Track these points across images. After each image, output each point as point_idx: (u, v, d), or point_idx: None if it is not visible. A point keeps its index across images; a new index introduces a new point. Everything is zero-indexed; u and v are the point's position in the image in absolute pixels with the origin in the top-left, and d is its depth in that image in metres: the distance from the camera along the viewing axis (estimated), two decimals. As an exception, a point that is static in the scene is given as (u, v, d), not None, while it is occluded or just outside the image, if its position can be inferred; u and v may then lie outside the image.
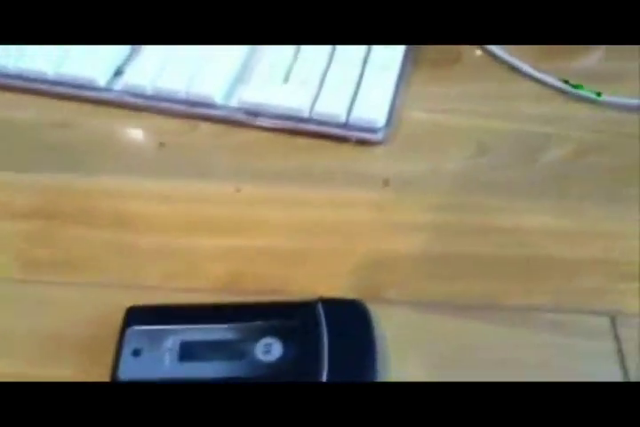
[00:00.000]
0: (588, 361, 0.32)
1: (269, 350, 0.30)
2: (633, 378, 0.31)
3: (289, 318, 0.31)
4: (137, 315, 0.31)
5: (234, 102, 0.42)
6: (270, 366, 0.30)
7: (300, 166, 0.40)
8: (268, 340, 0.30)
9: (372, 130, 0.40)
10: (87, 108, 0.43)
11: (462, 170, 0.40)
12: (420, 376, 0.31)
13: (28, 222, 0.38)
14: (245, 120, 0.41)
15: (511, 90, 0.43)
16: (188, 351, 0.30)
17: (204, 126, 0.42)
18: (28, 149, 0.41)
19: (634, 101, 0.42)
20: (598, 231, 0.37)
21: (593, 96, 0.42)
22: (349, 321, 0.31)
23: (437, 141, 0.41)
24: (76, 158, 0.41)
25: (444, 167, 0.40)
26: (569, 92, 0.43)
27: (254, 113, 0.41)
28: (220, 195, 0.39)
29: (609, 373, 0.31)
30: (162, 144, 0.41)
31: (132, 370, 0.29)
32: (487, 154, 0.40)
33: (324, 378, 0.29)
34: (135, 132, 0.43)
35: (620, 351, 0.32)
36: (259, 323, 0.31)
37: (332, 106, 0.40)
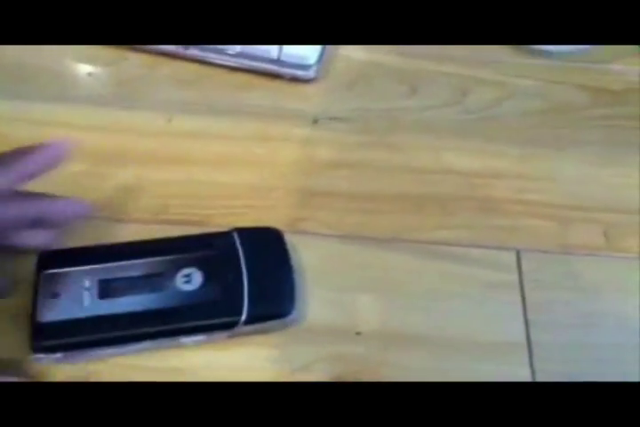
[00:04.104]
0: (491, 291, 0.34)
1: (190, 279, 0.31)
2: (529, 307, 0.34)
3: (206, 248, 0.31)
4: (49, 259, 0.31)
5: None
6: (192, 294, 0.30)
7: (232, 100, 0.40)
8: (187, 270, 0.31)
9: (304, 67, 0.40)
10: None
11: (391, 110, 0.40)
12: (331, 299, 0.33)
13: None
14: (177, 52, 0.41)
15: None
16: (106, 289, 0.30)
17: (135, 56, 0.41)
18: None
19: (562, 49, 0.43)
20: (513, 172, 0.38)
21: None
22: (265, 247, 0.32)
23: (369, 81, 0.42)
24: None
25: (373, 107, 0.41)
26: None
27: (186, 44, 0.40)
28: (149, 125, 0.39)
29: (510, 302, 0.34)
30: (90, 74, 0.40)
31: (51, 312, 0.30)
32: (416, 94, 0.41)
33: (246, 301, 0.30)
34: (64, 61, 0.42)
35: (521, 283, 0.34)
36: (175, 256, 0.31)
37: (265, 41, 0.40)
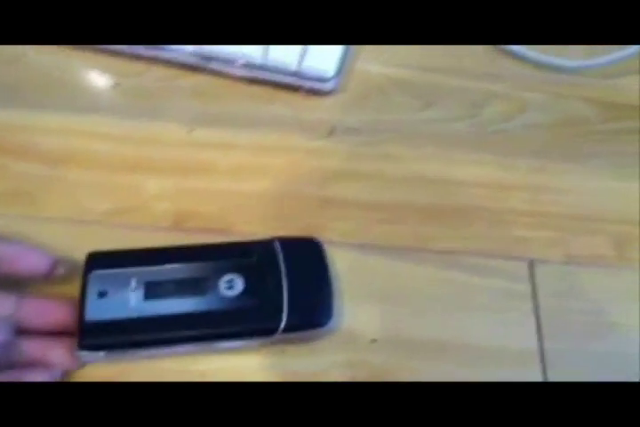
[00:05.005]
0: (504, 301, 0.35)
1: (232, 285, 0.31)
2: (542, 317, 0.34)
3: (248, 256, 0.32)
4: (98, 260, 0.32)
5: (188, 46, 0.42)
6: (234, 299, 0.31)
7: (250, 112, 0.41)
8: (229, 276, 0.32)
9: (323, 79, 0.41)
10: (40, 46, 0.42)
11: (406, 122, 0.42)
12: (348, 306, 0.34)
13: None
14: (199, 64, 0.42)
15: (458, 49, 0.44)
16: (152, 290, 0.31)
17: (157, 69, 0.42)
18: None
19: (573, 64, 0.44)
20: (524, 185, 0.39)
21: (534, 56, 0.44)
22: (306, 257, 0.33)
23: (385, 94, 0.43)
24: (23, 95, 0.40)
25: (388, 119, 0.42)
26: (512, 52, 0.45)
27: (208, 57, 0.42)
28: (170, 135, 0.39)
29: (523, 312, 0.35)
30: (114, 85, 0.42)
31: (98, 311, 0.30)
32: (431, 108, 0.42)
33: (285, 309, 0.31)
34: (89, 72, 0.42)
35: (534, 293, 0.35)
36: (219, 261, 0.32)
37: (285, 54, 0.41)
